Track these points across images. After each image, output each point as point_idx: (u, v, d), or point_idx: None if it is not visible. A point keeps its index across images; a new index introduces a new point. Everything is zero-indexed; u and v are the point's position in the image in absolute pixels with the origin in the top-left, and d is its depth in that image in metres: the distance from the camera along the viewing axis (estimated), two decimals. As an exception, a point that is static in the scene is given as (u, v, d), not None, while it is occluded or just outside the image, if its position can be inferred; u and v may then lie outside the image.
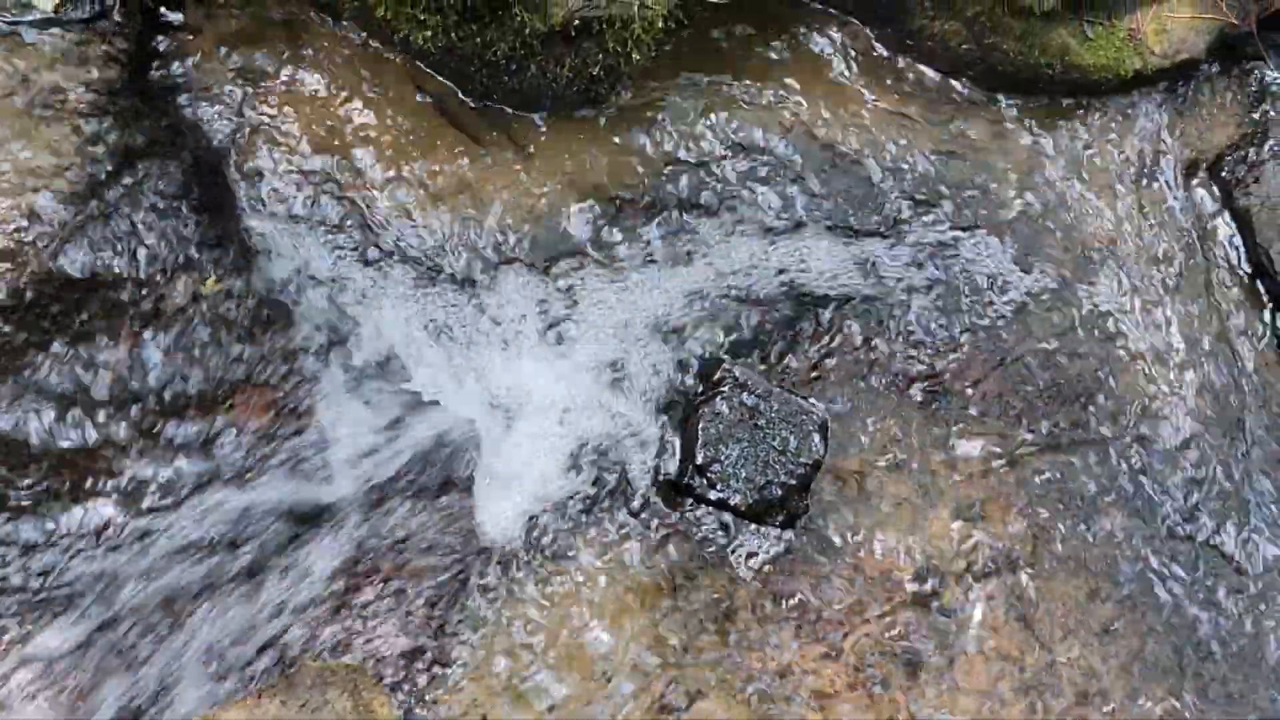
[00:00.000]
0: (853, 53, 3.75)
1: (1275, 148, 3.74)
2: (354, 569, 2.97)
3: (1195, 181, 3.78)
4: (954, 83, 3.78)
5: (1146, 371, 3.49)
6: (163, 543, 2.88)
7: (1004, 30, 3.59)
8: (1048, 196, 3.67)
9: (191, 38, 3.37)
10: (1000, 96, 3.78)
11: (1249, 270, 3.68)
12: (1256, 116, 3.84)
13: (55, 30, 3.14)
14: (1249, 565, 3.32)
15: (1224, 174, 3.76)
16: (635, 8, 3.21)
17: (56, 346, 2.90)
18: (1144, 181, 3.73)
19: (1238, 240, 3.71)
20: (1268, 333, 3.61)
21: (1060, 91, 3.79)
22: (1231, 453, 3.44)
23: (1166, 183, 3.75)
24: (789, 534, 3.16)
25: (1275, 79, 3.86)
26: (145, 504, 2.90)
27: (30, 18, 3.11)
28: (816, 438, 3.21)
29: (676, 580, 3.07)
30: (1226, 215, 3.74)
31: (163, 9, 3.36)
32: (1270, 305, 3.64)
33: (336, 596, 2.93)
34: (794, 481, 3.15)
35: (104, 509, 2.87)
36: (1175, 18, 3.70)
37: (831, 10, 3.80)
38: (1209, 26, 3.75)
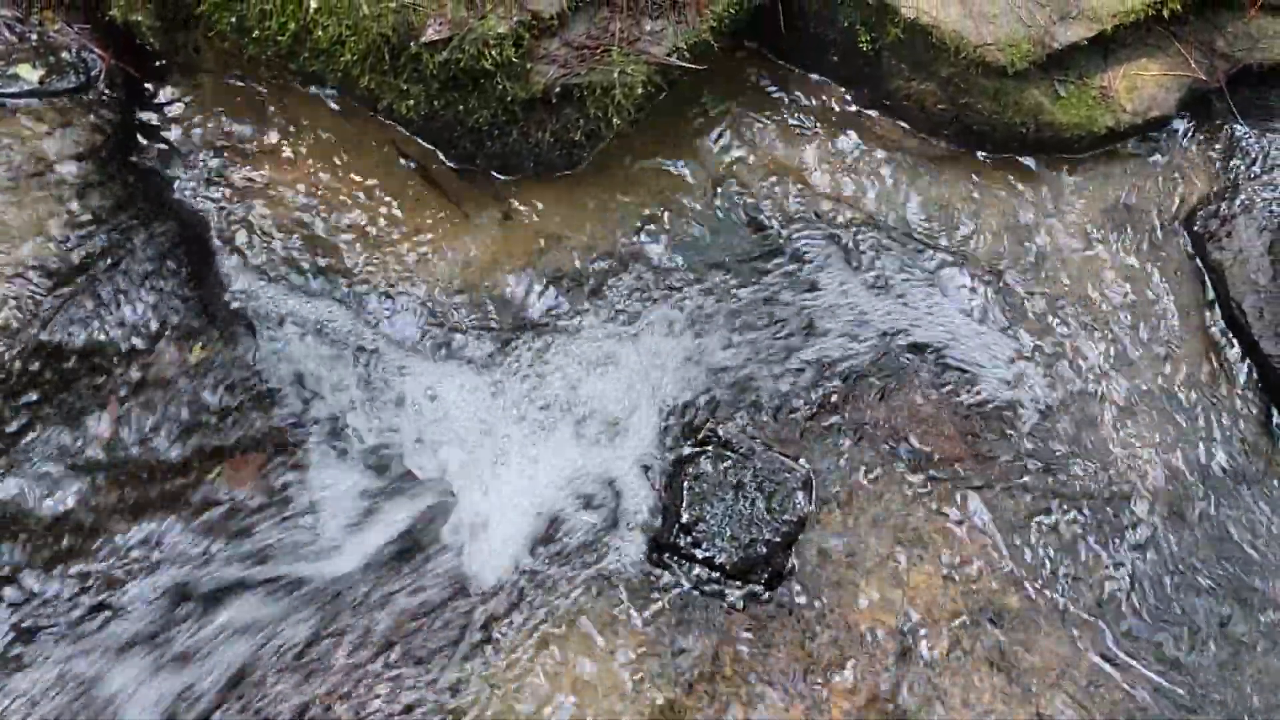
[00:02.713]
0: (831, 114, 3.80)
1: (1246, 202, 3.74)
2: (341, 632, 2.97)
3: (1169, 236, 3.81)
4: (931, 141, 3.82)
5: (1120, 426, 3.52)
6: (139, 600, 2.88)
7: (977, 90, 3.63)
8: (1023, 253, 3.70)
9: (176, 107, 3.40)
10: (976, 154, 3.82)
11: (1223, 324, 3.69)
12: (1228, 172, 3.86)
13: (40, 101, 3.16)
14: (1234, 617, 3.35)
15: (1197, 228, 3.77)
16: (615, 74, 3.25)
17: (46, 415, 2.90)
18: (1118, 237, 3.77)
19: (1211, 294, 3.73)
20: (1241, 384, 3.64)
21: (1035, 149, 3.82)
22: (1204, 505, 3.47)
23: (1141, 238, 3.78)
24: (774, 591, 3.17)
25: (1245, 134, 3.89)
26: (127, 569, 2.90)
27: (15, 89, 3.14)
28: (800, 495, 3.24)
29: (662, 638, 3.08)
30: (1200, 269, 3.75)
31: (148, 79, 3.39)
32: (1244, 358, 3.66)
33: (323, 659, 2.93)
34: (778, 539, 3.17)
35: (87, 571, 2.87)
36: (1145, 75, 3.75)
37: (809, 73, 3.85)
38: (1179, 84, 3.79)
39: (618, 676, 3.02)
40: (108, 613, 2.87)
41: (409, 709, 2.91)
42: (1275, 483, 3.50)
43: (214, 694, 2.85)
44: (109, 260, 3.07)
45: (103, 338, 3.00)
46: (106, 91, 3.28)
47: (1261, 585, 3.37)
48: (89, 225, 3.07)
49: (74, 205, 3.07)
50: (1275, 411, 3.59)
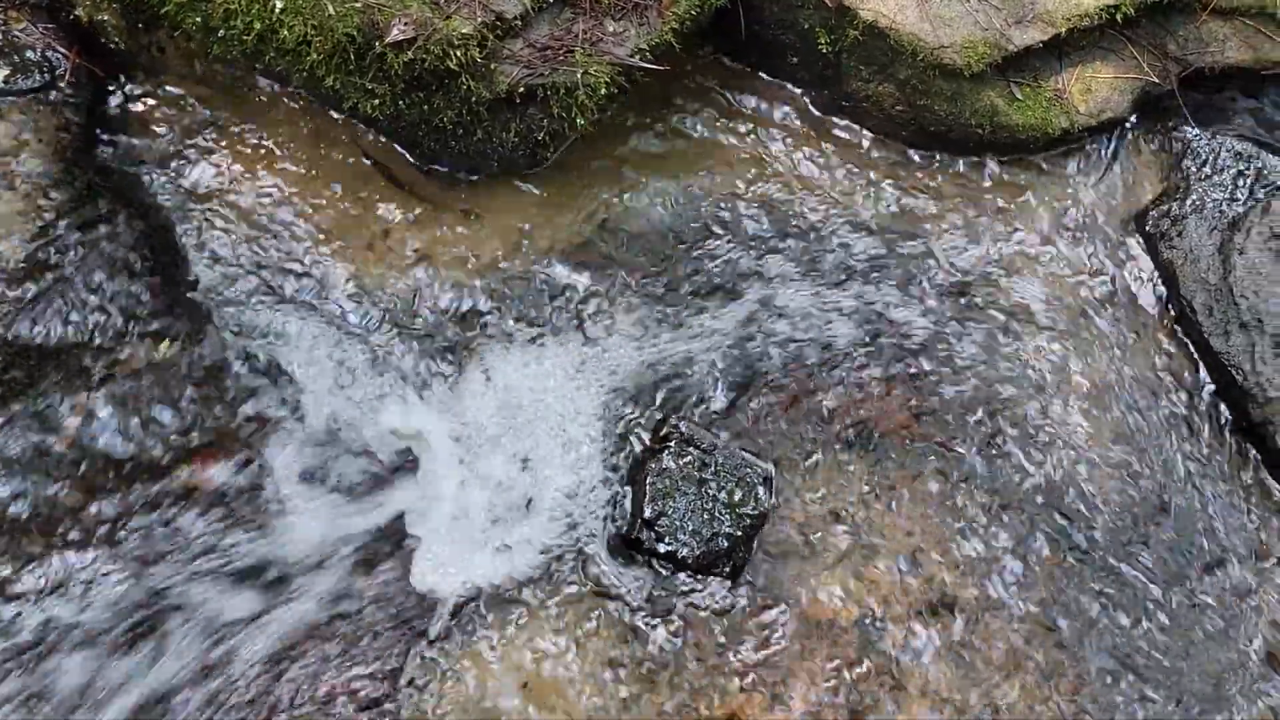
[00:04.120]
0: (790, 115, 3.85)
1: (1197, 203, 3.81)
2: (309, 627, 2.99)
3: (1122, 235, 3.87)
4: (889, 143, 3.88)
5: (1073, 421, 3.57)
6: (109, 596, 2.89)
7: (934, 92, 3.68)
8: (979, 251, 3.76)
9: (141, 106, 3.41)
10: (933, 155, 3.88)
11: (1174, 321, 3.75)
12: (1179, 172, 3.92)
13: (4, 101, 3.16)
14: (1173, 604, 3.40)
15: (1149, 228, 3.83)
16: (579, 75, 3.28)
17: (14, 411, 2.91)
18: (1072, 236, 3.82)
19: (1163, 292, 3.79)
20: (1191, 380, 3.70)
21: (991, 150, 3.88)
22: (1154, 497, 3.52)
23: (1094, 237, 3.84)
24: (736, 584, 3.21)
25: (1196, 136, 3.96)
26: (95, 564, 2.91)
27: (-22, 89, 3.15)
28: (761, 490, 3.28)
29: (626, 631, 3.11)
30: (1152, 268, 3.82)
31: (113, 78, 3.40)
32: (1195, 355, 3.72)
33: (292, 653, 2.95)
34: (740, 533, 3.21)
35: (57, 567, 2.88)
36: (1099, 78, 3.81)
37: (769, 75, 3.90)
38: (1132, 86, 3.85)
39: (580, 670, 3.05)
40: (72, 609, 2.87)
41: (375, 703, 2.93)
42: (1224, 477, 3.56)
43: (181, 687, 2.86)
44: (75, 258, 3.08)
45: (70, 335, 3.01)
46: (72, 91, 3.29)
47: (1208, 574, 3.43)
48: (54, 223, 3.08)
49: (39, 203, 3.08)
50: (1225, 406, 3.64)
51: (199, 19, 3.26)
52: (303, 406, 3.21)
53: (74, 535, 2.92)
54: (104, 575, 2.91)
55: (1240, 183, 3.87)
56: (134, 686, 2.84)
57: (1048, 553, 3.39)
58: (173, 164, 3.38)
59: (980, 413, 3.53)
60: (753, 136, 3.80)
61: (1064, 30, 3.66)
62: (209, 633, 2.93)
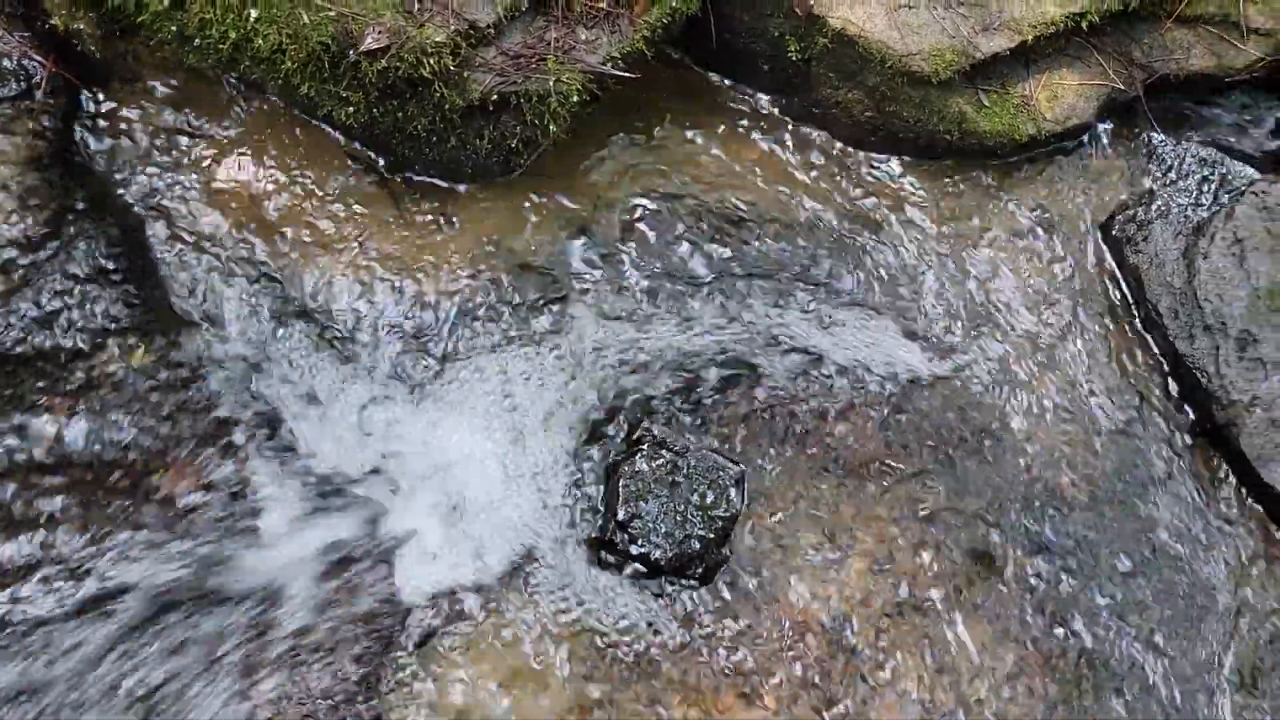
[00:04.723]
0: (761, 122, 3.89)
1: (1162, 208, 3.87)
2: (284, 633, 3.01)
3: (1089, 239, 3.91)
4: (858, 149, 3.92)
5: (1040, 423, 3.61)
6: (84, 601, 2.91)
7: (903, 99, 3.72)
8: (948, 256, 3.81)
9: (118, 114, 3.42)
10: (902, 161, 3.92)
11: (1139, 325, 3.80)
12: (1145, 178, 3.98)
13: (-18, 108, 3.18)
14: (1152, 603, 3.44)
15: (1115, 232, 3.88)
16: (551, 82, 3.31)
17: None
18: (1039, 241, 3.86)
19: (1129, 296, 3.84)
20: (1157, 382, 3.74)
21: (959, 156, 3.92)
22: (1120, 498, 3.57)
23: (1061, 242, 3.88)
24: (708, 586, 3.24)
25: (1162, 142, 4.01)
26: (71, 568, 2.92)
27: (-47, 97, 3.16)
28: (733, 492, 3.31)
29: (600, 633, 3.14)
30: (1118, 272, 3.87)
31: (89, 86, 3.41)
32: (1161, 357, 3.76)
33: (275, 659, 2.97)
34: (712, 535, 3.24)
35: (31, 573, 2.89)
36: (1065, 84, 3.85)
37: (739, 82, 3.94)
38: (1098, 93, 3.90)
39: (554, 672, 3.07)
40: (52, 613, 2.88)
41: (348, 700, 2.95)
42: (1188, 478, 3.60)
43: (153, 694, 2.87)
44: (51, 265, 3.10)
45: (47, 342, 3.03)
46: (48, 99, 3.30)
47: (1172, 574, 3.47)
48: (30, 230, 3.10)
49: (14, 210, 3.09)
50: (1190, 408, 3.69)
51: (174, 28, 3.28)
52: (277, 411, 3.22)
53: (51, 540, 2.92)
54: (80, 582, 2.92)
55: (1205, 188, 3.92)
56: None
57: (1018, 553, 3.42)
58: (148, 171, 3.39)
59: (950, 417, 3.56)
60: (725, 143, 3.83)
61: (1030, 38, 3.70)
62: (181, 640, 2.94)
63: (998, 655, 3.28)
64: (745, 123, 3.88)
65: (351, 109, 3.33)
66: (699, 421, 3.43)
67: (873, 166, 3.91)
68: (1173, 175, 3.95)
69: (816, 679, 3.18)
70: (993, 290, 3.78)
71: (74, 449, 3.00)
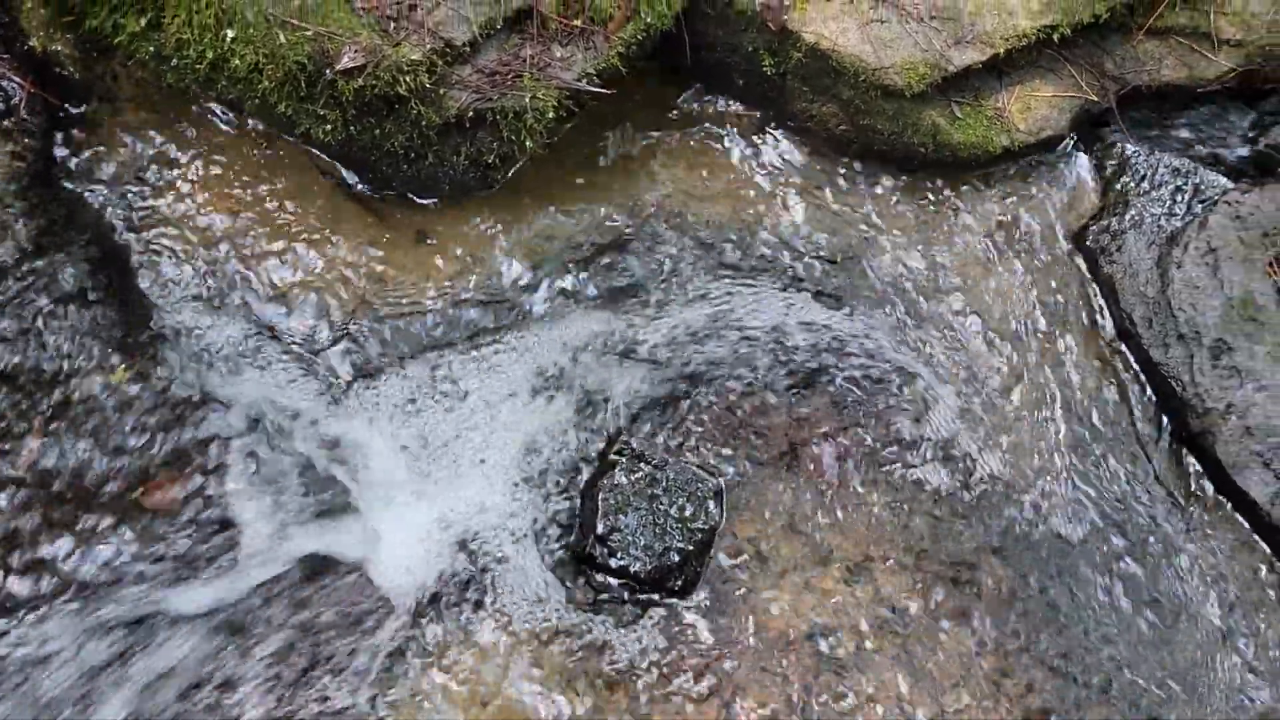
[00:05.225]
0: (737, 136, 3.91)
1: (1136, 218, 3.89)
2: (268, 647, 3.02)
3: (1062, 250, 3.94)
4: (833, 161, 3.94)
5: (1015, 434, 3.63)
6: (68, 623, 2.91)
7: (877, 112, 3.75)
8: (920, 268, 3.83)
9: (96, 132, 3.43)
10: (877, 173, 3.95)
11: (1114, 334, 3.82)
12: (1118, 188, 4.00)
13: (-40, 130, 3.19)
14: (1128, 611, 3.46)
15: (1089, 243, 3.91)
16: (527, 99, 3.33)
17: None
18: (1014, 252, 3.89)
19: (1103, 306, 3.86)
20: (1133, 391, 3.76)
21: (934, 168, 3.94)
22: (1095, 508, 3.59)
23: (1035, 253, 3.91)
24: (688, 598, 3.25)
25: (1135, 152, 4.03)
26: (50, 590, 2.93)
27: (-66, 118, 3.17)
28: (712, 504, 3.32)
29: (581, 647, 3.14)
30: (1092, 282, 3.89)
31: (67, 105, 3.43)
32: (1136, 368, 3.78)
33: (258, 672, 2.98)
34: (691, 547, 3.25)
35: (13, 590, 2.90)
36: (1038, 96, 3.88)
37: (715, 96, 3.96)
38: (1070, 104, 3.93)
39: (535, 686, 3.08)
40: (32, 633, 2.89)
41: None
42: (1163, 487, 3.62)
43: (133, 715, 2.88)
44: (31, 285, 3.11)
45: (26, 362, 3.04)
46: (27, 119, 3.31)
47: (1149, 583, 3.49)
48: (9, 250, 3.11)
49: (-6, 230, 3.10)
50: (1165, 417, 3.71)
51: (152, 48, 3.30)
52: (256, 428, 3.23)
53: (31, 558, 2.93)
54: (59, 597, 2.93)
55: (1178, 198, 3.95)
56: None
57: (995, 561, 3.44)
58: (127, 190, 3.40)
59: (927, 426, 3.58)
60: (701, 157, 3.85)
61: (1002, 50, 3.73)
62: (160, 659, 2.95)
63: (978, 665, 3.28)
64: (722, 137, 3.89)
65: (329, 127, 3.34)
66: (669, 429, 3.44)
67: (848, 178, 3.91)
68: (1146, 185, 3.96)
69: (798, 690, 3.18)
70: (967, 301, 3.79)
71: (54, 468, 3.00)
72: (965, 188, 3.96)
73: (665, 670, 3.15)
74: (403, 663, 3.06)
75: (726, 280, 3.68)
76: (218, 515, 3.12)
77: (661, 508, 3.26)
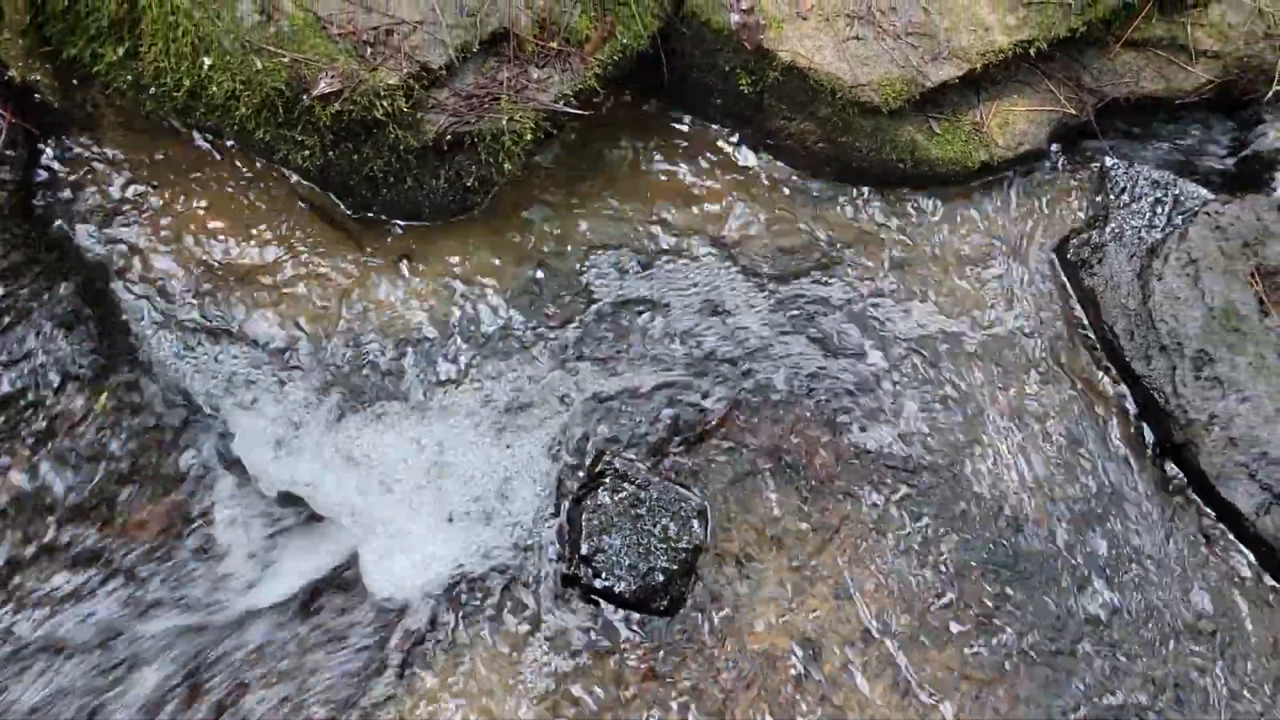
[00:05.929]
0: (715, 154, 3.93)
1: (1116, 230, 3.90)
2: (250, 669, 3.02)
3: (1043, 264, 3.95)
4: (812, 178, 3.96)
5: (998, 448, 3.64)
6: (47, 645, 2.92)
7: (855, 129, 3.76)
8: (901, 284, 3.84)
9: (77, 162, 3.45)
10: (857, 190, 3.96)
11: (1097, 347, 3.83)
12: (1098, 200, 4.01)
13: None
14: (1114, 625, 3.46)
15: (1070, 256, 3.91)
16: (504, 121, 3.35)
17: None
18: (994, 266, 3.90)
19: (1085, 319, 3.87)
20: (1114, 403, 3.77)
21: (913, 184, 3.95)
22: (1079, 519, 3.59)
23: (1016, 266, 3.92)
24: (673, 618, 3.25)
25: (1114, 165, 4.04)
26: (36, 615, 2.93)
27: (-86, 149, 3.18)
28: (695, 523, 3.32)
29: (567, 668, 3.14)
30: (1073, 295, 3.90)
31: (48, 135, 3.44)
32: (1119, 380, 3.79)
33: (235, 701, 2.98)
34: (676, 566, 3.25)
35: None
36: (1016, 111, 3.90)
37: (694, 116, 3.98)
38: (1048, 118, 3.95)
39: (521, 709, 3.08)
40: (16, 662, 2.89)
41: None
42: (1146, 498, 3.62)
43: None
44: (13, 313, 3.12)
45: (9, 389, 3.04)
46: (7, 149, 3.32)
47: (1137, 593, 3.49)
48: (-8, 279, 3.13)
49: (-26, 260, 3.12)
50: (1147, 428, 3.72)
51: (130, 77, 3.32)
52: (239, 452, 3.24)
53: (16, 585, 2.93)
54: (54, 623, 2.93)
55: (1158, 210, 3.96)
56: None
57: (980, 575, 3.44)
58: (108, 218, 3.41)
59: (912, 440, 3.59)
60: (680, 177, 3.87)
61: (979, 66, 3.75)
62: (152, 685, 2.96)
63: (965, 678, 3.28)
64: (700, 156, 3.91)
65: (307, 152, 3.36)
66: (652, 448, 3.45)
67: (826, 195, 3.93)
68: (1126, 198, 3.97)
69: (784, 707, 3.18)
70: (949, 316, 3.79)
71: (37, 495, 3.00)
72: (944, 203, 3.96)
73: (651, 688, 3.15)
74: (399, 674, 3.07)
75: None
76: (206, 534, 3.12)
77: (645, 528, 3.26)
